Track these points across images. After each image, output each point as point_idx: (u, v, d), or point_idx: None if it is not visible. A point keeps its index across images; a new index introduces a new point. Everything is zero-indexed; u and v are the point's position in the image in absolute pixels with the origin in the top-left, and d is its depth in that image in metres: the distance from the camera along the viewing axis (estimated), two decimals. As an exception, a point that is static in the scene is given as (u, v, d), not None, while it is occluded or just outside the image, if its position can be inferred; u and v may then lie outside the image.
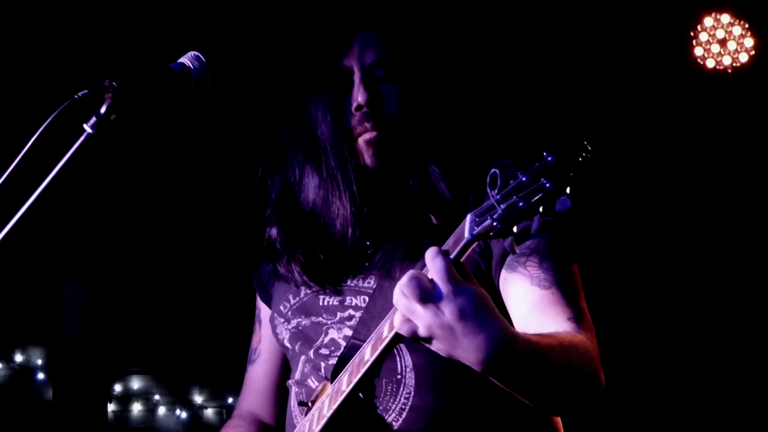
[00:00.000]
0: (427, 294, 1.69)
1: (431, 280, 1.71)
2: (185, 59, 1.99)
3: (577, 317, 2.05)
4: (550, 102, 5.24)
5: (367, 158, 2.26)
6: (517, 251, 2.10)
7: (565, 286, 2.09)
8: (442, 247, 1.75)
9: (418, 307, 1.70)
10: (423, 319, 1.71)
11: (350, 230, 2.26)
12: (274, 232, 2.40)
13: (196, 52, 2.00)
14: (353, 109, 2.25)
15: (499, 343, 1.70)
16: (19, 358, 8.69)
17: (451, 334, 1.70)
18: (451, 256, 1.72)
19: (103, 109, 1.82)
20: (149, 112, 1.89)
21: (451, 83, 2.40)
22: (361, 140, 2.25)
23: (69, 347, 7.03)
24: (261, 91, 4.65)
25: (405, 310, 1.72)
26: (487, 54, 4.91)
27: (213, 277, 6.64)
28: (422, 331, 1.73)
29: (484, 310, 1.70)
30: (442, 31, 2.47)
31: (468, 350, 1.71)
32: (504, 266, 2.14)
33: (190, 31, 4.76)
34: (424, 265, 1.74)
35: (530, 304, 2.08)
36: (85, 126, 1.82)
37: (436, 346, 1.75)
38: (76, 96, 1.80)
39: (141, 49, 4.65)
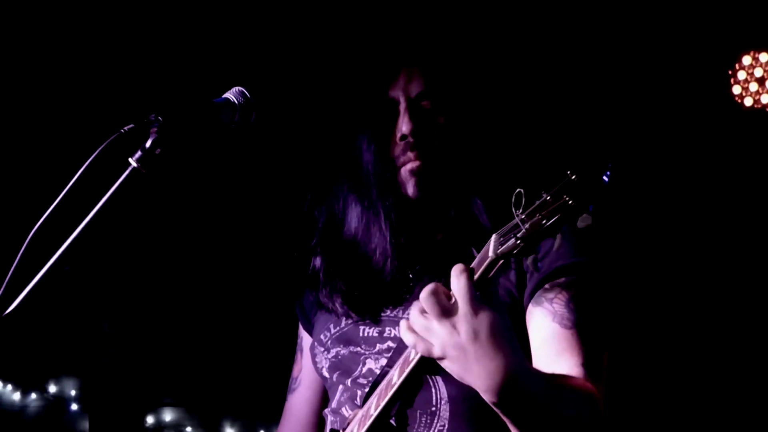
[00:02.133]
0: (445, 311, 1.71)
1: (451, 298, 1.72)
2: (230, 94, 2.00)
3: (589, 364, 2.03)
4: (590, 136, 5.23)
5: (410, 188, 2.26)
6: (548, 287, 2.10)
7: (587, 330, 2.07)
8: (470, 266, 1.76)
9: (435, 324, 1.71)
10: (438, 337, 1.72)
11: (389, 261, 2.26)
12: (318, 262, 2.41)
13: (240, 88, 2.02)
14: (398, 139, 2.26)
15: (510, 372, 1.71)
16: (53, 388, 8.73)
17: (464, 355, 1.71)
18: (476, 276, 1.74)
19: (148, 144, 1.84)
20: (194, 147, 1.90)
21: (494, 114, 2.40)
22: (404, 170, 2.26)
23: (103, 378, 7.06)
24: (307, 121, 4.68)
25: (421, 329, 1.74)
26: (526, 83, 4.92)
27: (246, 311, 6.65)
28: (437, 350, 1.74)
29: (501, 336, 1.71)
30: (486, 62, 2.48)
31: (479, 376, 1.72)
32: (533, 299, 2.14)
33: (235, 65, 4.81)
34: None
35: (547, 340, 2.07)
36: (130, 160, 1.84)
37: (448, 367, 1.75)
38: (122, 130, 1.82)
39: (186, 83, 4.70)
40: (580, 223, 1.60)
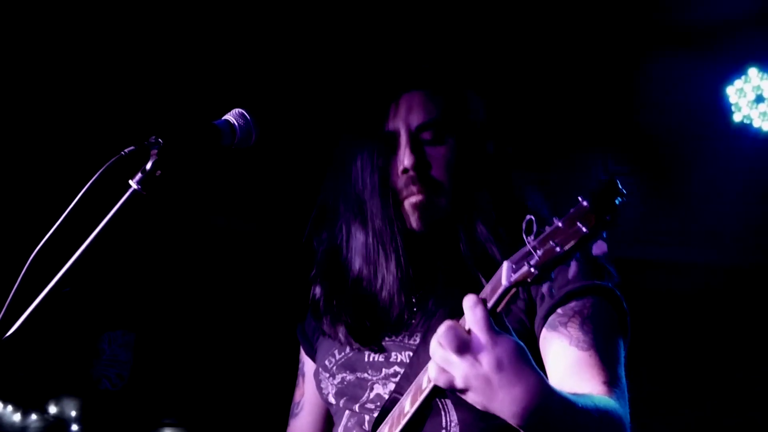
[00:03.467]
0: (464, 344, 1.68)
1: (468, 330, 1.70)
2: (230, 116, 2.00)
3: (611, 382, 2.02)
4: (596, 160, 5.26)
5: (413, 221, 2.24)
6: (561, 311, 2.09)
7: (604, 350, 2.07)
8: (480, 295, 1.73)
9: (455, 358, 1.69)
10: (460, 370, 1.69)
11: (396, 295, 2.24)
12: (318, 291, 2.39)
13: (241, 110, 2.01)
14: (399, 172, 2.24)
15: (536, 396, 1.69)
16: (53, 409, 8.70)
17: (487, 385, 1.68)
18: (489, 305, 1.71)
19: (148, 166, 1.84)
20: (194, 169, 1.91)
21: (496, 144, 2.38)
22: (407, 203, 2.24)
23: (104, 399, 7.04)
24: (308, 150, 4.70)
25: (441, 361, 1.71)
26: (529, 112, 4.94)
27: (248, 332, 6.64)
28: (459, 382, 1.71)
29: (522, 362, 1.69)
30: (487, 92, 2.47)
31: (504, 402, 1.69)
32: (546, 325, 2.12)
33: (237, 90, 4.83)
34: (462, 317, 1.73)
35: (566, 364, 2.06)
36: (130, 182, 1.84)
37: (471, 398, 1.73)
38: (122, 152, 1.82)
39: (187, 105, 4.72)
40: (596, 250, 1.58)
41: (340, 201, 2.36)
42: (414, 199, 2.24)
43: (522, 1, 4.83)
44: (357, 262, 2.31)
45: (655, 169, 5.55)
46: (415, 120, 2.27)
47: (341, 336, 2.31)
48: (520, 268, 1.66)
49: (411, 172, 2.23)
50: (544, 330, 2.12)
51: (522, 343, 1.71)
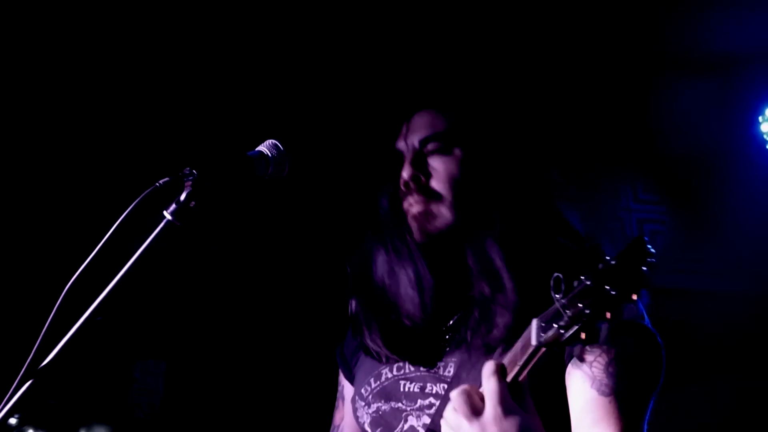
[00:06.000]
0: (475, 412, 1.72)
1: (483, 397, 1.74)
2: (263, 147, 2.02)
3: None
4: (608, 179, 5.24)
5: (415, 233, 2.27)
6: (588, 348, 2.07)
7: (626, 397, 2.02)
8: (504, 360, 1.77)
9: (465, 423, 1.73)
10: None
11: (420, 309, 2.27)
12: (353, 306, 2.43)
13: (274, 141, 2.04)
14: (402, 186, 2.29)
15: None
16: (84, 437, 8.74)
17: None
18: (514, 372, 1.74)
19: (183, 197, 1.86)
20: (228, 199, 1.92)
21: (505, 158, 2.35)
22: (408, 216, 2.28)
23: (135, 428, 7.06)
24: (336, 176, 4.71)
25: (453, 423, 1.76)
26: (535, 129, 4.92)
27: (282, 360, 6.65)
28: None
29: None
30: (495, 105, 2.47)
31: None
32: (572, 361, 2.11)
33: (268, 120, 4.86)
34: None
35: (585, 407, 2.04)
36: (165, 213, 1.86)
37: None
38: (157, 183, 1.84)
39: (221, 136, 4.75)
40: (627, 314, 1.56)
41: (364, 220, 2.43)
42: (413, 210, 2.27)
43: (546, 19, 4.82)
44: (380, 275, 2.36)
45: (684, 197, 5.52)
46: (419, 135, 2.32)
47: (379, 347, 2.33)
48: (550, 328, 1.65)
49: (411, 185, 2.26)
50: (569, 365, 2.10)
51: (532, 418, 1.74)
